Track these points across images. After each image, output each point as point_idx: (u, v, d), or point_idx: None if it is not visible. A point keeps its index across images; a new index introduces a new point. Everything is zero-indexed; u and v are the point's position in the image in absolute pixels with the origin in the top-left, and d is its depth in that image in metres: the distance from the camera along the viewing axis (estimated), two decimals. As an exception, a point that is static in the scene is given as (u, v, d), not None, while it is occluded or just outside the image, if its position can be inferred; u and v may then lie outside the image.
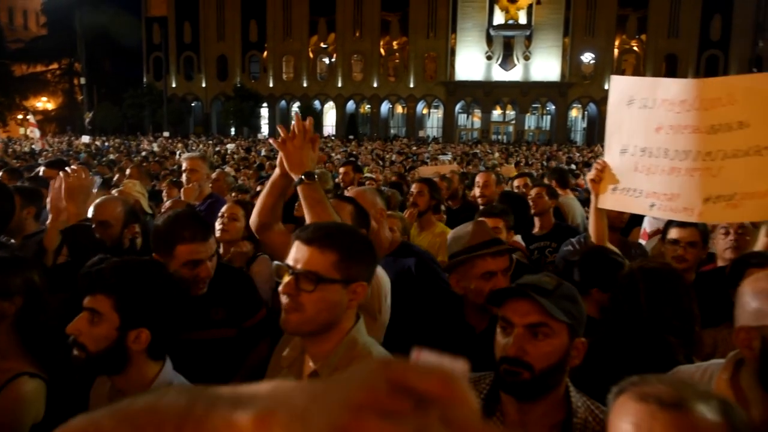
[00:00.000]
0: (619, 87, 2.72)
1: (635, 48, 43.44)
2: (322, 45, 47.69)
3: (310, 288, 1.40)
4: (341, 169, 6.31)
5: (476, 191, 4.93)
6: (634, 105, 2.64)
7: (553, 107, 42.88)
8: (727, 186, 2.42)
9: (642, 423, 0.97)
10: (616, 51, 43.38)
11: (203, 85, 48.99)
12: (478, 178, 4.98)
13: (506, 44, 43.83)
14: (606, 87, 46.22)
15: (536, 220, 4.37)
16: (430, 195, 4.09)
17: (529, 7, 42.74)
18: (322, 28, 47.24)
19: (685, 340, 2.00)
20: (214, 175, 5.12)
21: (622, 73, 42.19)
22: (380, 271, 2.06)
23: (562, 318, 1.41)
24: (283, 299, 1.43)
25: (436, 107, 46.68)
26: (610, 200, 2.74)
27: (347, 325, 1.50)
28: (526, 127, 44.82)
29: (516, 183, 5.58)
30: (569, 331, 1.46)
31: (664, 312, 2.00)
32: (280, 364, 1.62)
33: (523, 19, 43.05)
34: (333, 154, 17.57)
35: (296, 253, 1.46)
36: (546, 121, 44.85)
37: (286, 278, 1.43)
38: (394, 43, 46.57)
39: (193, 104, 49.94)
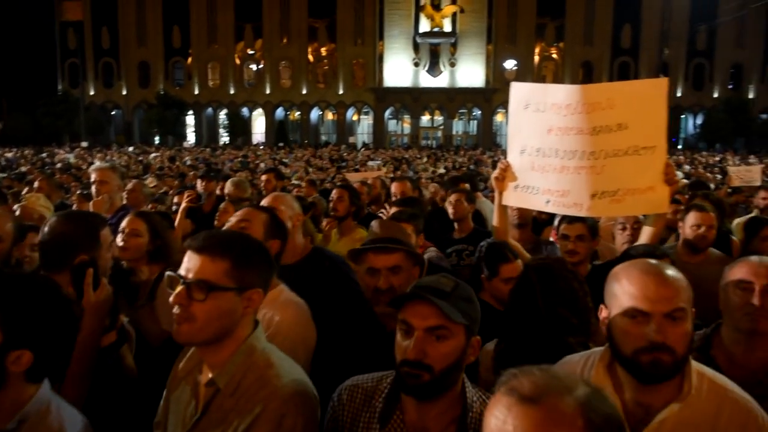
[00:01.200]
0: (518, 93, 2.90)
1: (554, 55, 45.44)
2: (249, 51, 46.97)
3: (202, 297, 1.40)
4: (263, 177, 6.24)
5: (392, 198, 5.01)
6: (530, 109, 2.83)
7: (479, 112, 44.13)
8: (611, 182, 2.62)
9: (499, 415, 0.99)
10: (536, 58, 45.22)
11: (124, 92, 47.05)
12: (394, 188, 5.06)
13: (433, 51, 44.77)
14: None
15: (456, 225, 4.50)
16: (350, 201, 4.13)
17: (453, 15, 43.94)
18: (249, 34, 46.50)
19: (584, 339, 2.07)
20: (129, 186, 4.94)
21: (542, 79, 44.05)
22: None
23: (460, 320, 1.46)
24: (175, 310, 1.41)
25: (366, 113, 47.01)
26: (512, 197, 2.93)
27: (244, 333, 1.50)
28: (454, 132, 45.87)
29: (393, 189, 5.17)
30: (466, 331, 1.51)
31: (562, 312, 2.08)
32: (178, 375, 1.60)
33: (447, 27, 44.16)
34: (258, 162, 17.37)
35: (188, 263, 1.44)
36: (473, 126, 46.06)
37: (177, 288, 1.41)
38: (323, 49, 46.55)
39: (113, 112, 47.83)
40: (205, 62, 46.88)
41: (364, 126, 47.66)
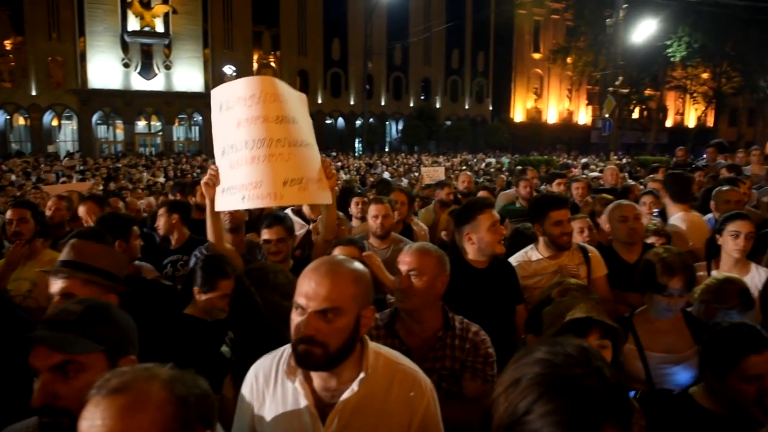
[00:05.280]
0: (215, 97, 2.94)
1: (272, 63, 46.59)
2: None
3: None
4: None
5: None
6: (223, 109, 2.86)
7: (201, 118, 42.79)
8: (297, 170, 2.75)
9: (88, 414, 1.02)
10: (255, 65, 45.75)
11: None
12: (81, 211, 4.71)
13: (145, 52, 41.69)
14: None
15: (171, 236, 4.42)
16: (35, 220, 3.70)
17: (166, 15, 41.63)
18: None
19: None
20: None
21: (262, 86, 44.71)
22: None
23: (88, 349, 1.41)
24: None
25: (69, 118, 41.43)
26: (221, 202, 2.90)
27: None
28: (175, 138, 43.61)
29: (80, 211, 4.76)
30: (107, 355, 1.48)
31: (286, 304, 2.21)
32: None
33: (160, 28, 41.63)
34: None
35: None
36: (195, 132, 44.44)
37: None
38: (6, 42, 39.44)
39: None
40: None
41: (67, 132, 41.92)
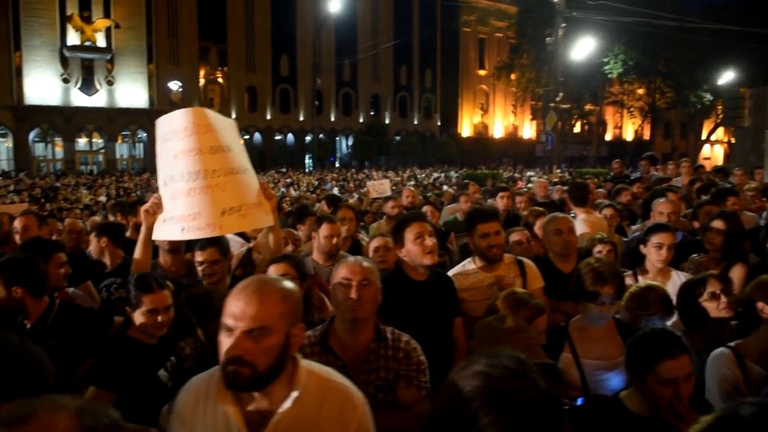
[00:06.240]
0: (158, 127, 2.99)
1: (219, 79, 46.01)
2: None
3: None
4: None
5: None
6: (163, 140, 2.92)
7: (145, 135, 41.73)
8: (235, 198, 2.81)
9: None
10: (202, 80, 45.07)
11: None
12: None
13: (86, 67, 40.38)
14: (196, 115, 47.27)
15: (105, 259, 4.31)
16: None
17: (108, 30, 40.54)
18: None
19: None
20: None
21: (209, 102, 44.19)
22: None
23: None
24: None
25: (3, 135, 39.62)
26: (161, 231, 2.93)
27: None
28: (119, 156, 42.33)
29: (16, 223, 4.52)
30: None
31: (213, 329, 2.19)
32: None
33: (102, 42, 40.48)
34: None
35: None
36: (140, 149, 43.27)
37: None
38: (-71, 55, 37.50)
39: None
40: None
41: (1, 151, 40.08)
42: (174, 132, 2.84)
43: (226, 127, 2.96)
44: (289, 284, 1.70)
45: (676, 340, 2.14)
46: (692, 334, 2.74)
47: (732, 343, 2.63)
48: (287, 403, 1.62)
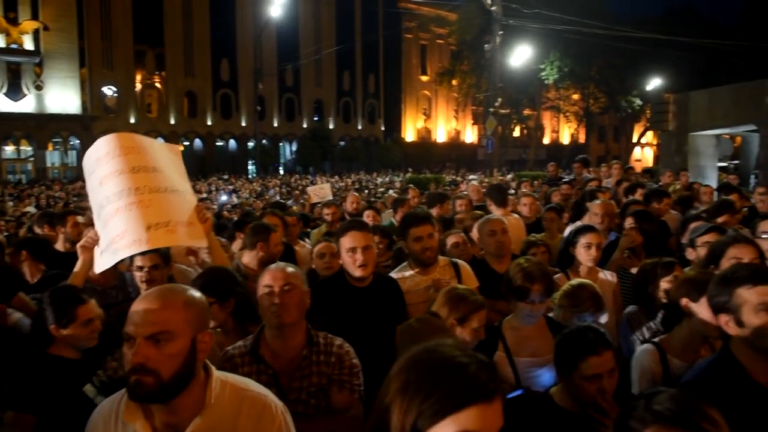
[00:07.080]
0: (84, 165, 3.08)
1: (157, 84, 44.72)
2: None
3: None
4: None
5: None
6: (89, 174, 3.02)
7: (78, 142, 40.01)
8: (162, 215, 2.84)
9: None
10: (138, 85, 43.68)
11: None
12: None
13: (13, 71, 38.36)
14: (132, 120, 45.09)
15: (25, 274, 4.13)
16: None
17: (36, 32, 38.66)
18: None
19: None
20: None
21: (147, 107, 42.91)
22: None
23: None
24: None
25: None
26: (100, 263, 2.97)
27: None
28: (49, 164, 40.36)
29: None
30: None
31: None
32: None
33: (29, 45, 38.56)
34: None
35: None
36: (72, 157, 41.44)
37: None
38: None
39: None
40: None
41: None
42: (98, 160, 2.91)
43: (161, 150, 3.06)
44: (194, 292, 1.67)
45: (599, 336, 2.19)
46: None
47: (656, 339, 2.75)
48: (199, 417, 1.58)
